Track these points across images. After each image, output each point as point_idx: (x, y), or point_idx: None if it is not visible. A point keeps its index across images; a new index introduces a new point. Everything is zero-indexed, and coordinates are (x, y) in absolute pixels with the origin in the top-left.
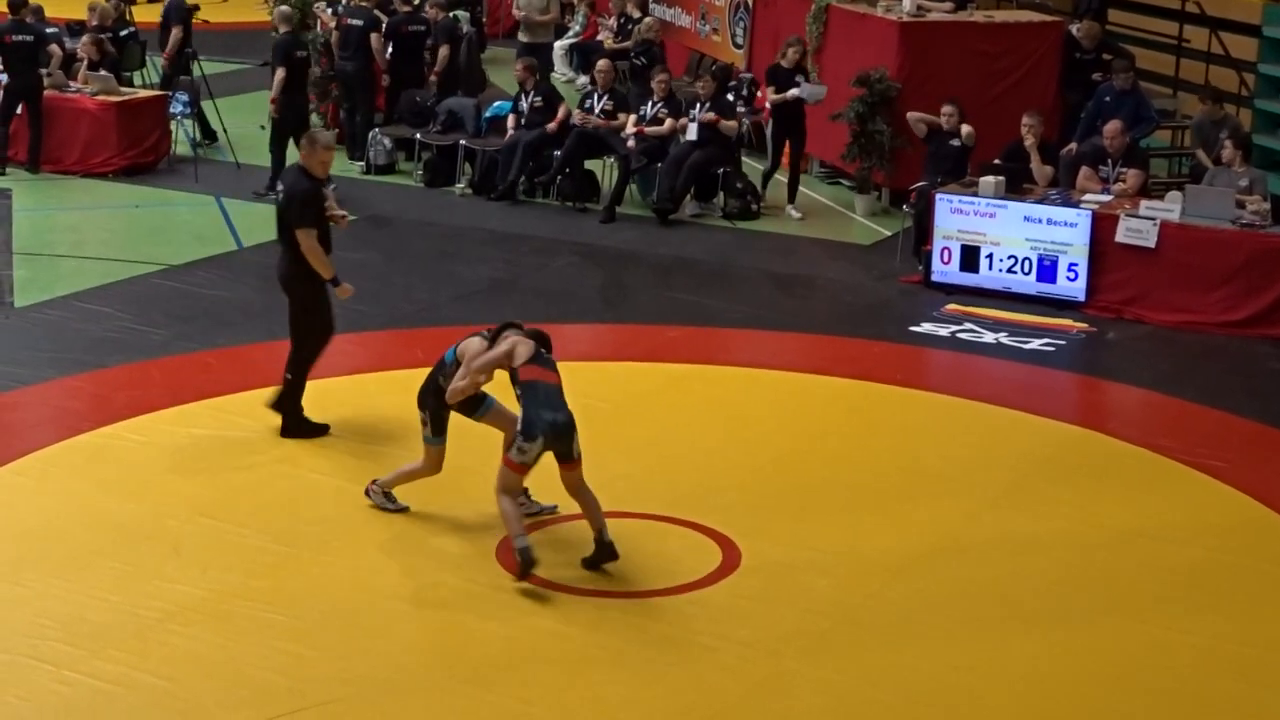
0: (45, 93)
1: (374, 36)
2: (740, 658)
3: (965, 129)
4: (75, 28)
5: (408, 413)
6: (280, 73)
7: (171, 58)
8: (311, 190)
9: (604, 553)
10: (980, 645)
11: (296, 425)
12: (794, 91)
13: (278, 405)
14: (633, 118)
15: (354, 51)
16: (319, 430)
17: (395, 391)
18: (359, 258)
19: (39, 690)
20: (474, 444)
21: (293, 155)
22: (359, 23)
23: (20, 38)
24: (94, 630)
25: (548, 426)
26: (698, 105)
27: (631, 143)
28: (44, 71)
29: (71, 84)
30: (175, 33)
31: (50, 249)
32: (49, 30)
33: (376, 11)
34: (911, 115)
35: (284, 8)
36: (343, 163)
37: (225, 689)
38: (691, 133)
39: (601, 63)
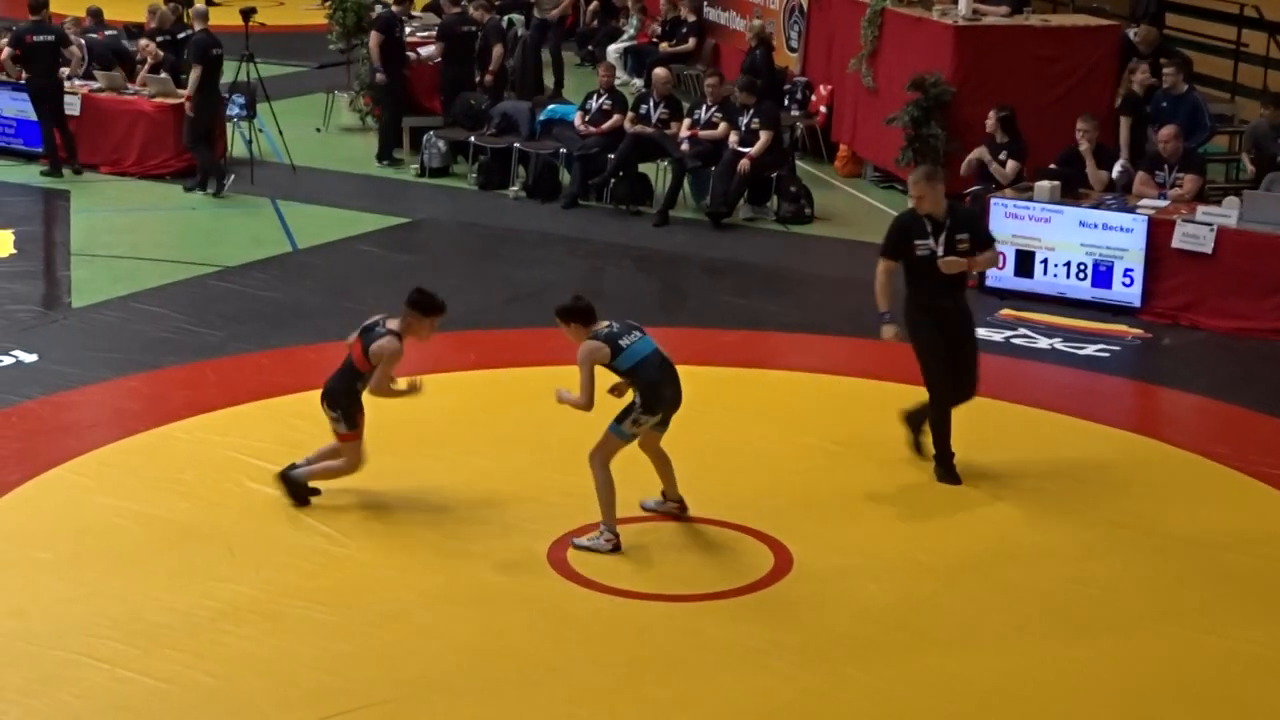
0: (103, 94)
1: (374, 35)
2: (791, 662)
3: (1011, 164)
4: (134, 30)
5: (460, 415)
6: (196, 71)
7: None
8: (896, 223)
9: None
10: (1033, 652)
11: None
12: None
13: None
14: (686, 121)
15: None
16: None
17: (447, 394)
18: (411, 259)
19: (93, 688)
20: (524, 448)
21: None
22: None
23: (41, 38)
24: (148, 629)
25: None
26: (746, 113)
27: (685, 146)
28: (64, 72)
29: (130, 86)
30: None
31: (107, 250)
32: (108, 33)
33: (424, 14)
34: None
35: (200, 5)
36: (371, 163)
37: (278, 688)
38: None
39: (659, 71)
